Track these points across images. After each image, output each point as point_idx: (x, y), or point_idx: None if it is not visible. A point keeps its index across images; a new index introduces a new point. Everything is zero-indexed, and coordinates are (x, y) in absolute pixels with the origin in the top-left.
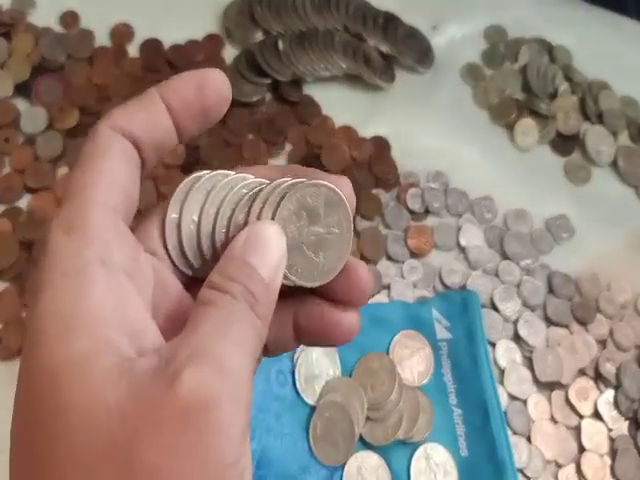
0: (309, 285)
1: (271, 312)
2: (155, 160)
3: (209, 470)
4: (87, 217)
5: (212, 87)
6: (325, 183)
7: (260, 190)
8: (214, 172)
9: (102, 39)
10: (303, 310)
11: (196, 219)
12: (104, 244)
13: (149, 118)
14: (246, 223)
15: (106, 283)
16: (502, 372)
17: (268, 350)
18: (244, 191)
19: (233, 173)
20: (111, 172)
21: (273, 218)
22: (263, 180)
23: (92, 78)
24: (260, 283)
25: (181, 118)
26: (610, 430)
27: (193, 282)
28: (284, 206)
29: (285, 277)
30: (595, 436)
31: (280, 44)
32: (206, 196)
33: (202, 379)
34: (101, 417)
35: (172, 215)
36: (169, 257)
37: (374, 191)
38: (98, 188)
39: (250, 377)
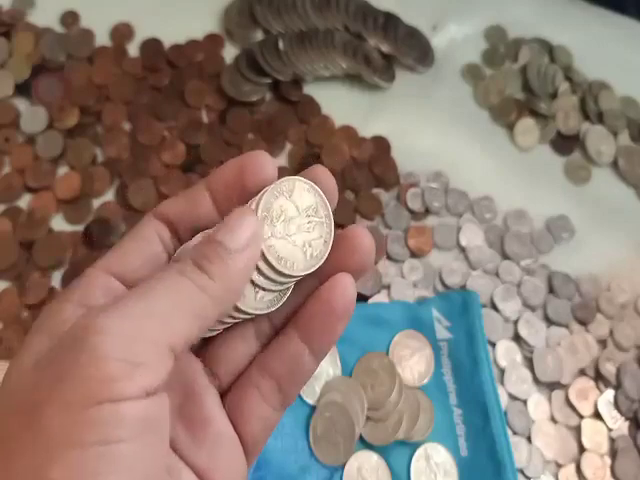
0: (304, 273)
1: (231, 294)
2: (190, 237)
3: (79, 386)
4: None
5: (251, 170)
6: (297, 177)
7: None
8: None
9: (102, 39)
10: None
11: None
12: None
13: (187, 204)
14: None
15: None
16: (502, 372)
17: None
18: None
19: None
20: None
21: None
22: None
23: (92, 78)
24: (219, 260)
25: (221, 200)
26: (610, 430)
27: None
28: (263, 208)
29: (280, 272)
30: (595, 436)
31: (280, 44)
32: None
33: (94, 316)
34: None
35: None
36: None
37: (374, 191)
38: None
39: (160, 340)
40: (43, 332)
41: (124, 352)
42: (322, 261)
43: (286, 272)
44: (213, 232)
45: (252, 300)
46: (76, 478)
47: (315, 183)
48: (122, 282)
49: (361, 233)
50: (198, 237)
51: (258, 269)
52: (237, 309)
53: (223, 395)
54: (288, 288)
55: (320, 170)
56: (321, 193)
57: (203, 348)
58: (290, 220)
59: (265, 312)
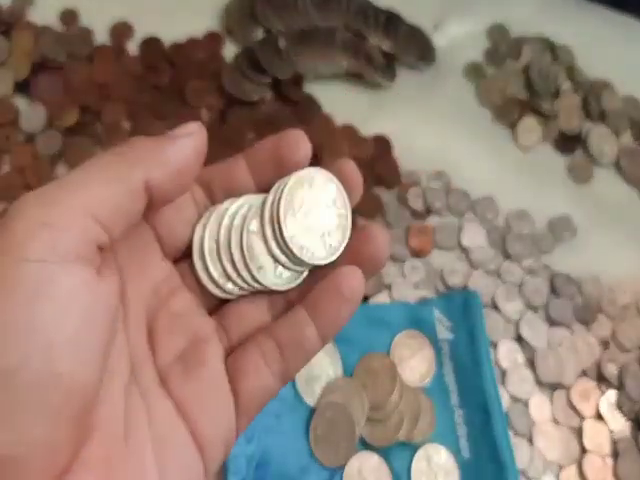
0: (322, 262)
1: (155, 156)
2: (222, 198)
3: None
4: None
5: (286, 145)
6: (317, 168)
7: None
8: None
9: (102, 37)
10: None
11: (215, 236)
12: None
13: (224, 168)
14: (260, 228)
15: None
16: (504, 373)
17: None
18: (252, 203)
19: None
20: None
21: (279, 217)
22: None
23: (92, 76)
24: (149, 140)
25: (256, 168)
26: (612, 431)
27: (218, 306)
28: (286, 200)
29: (299, 260)
30: (597, 437)
31: (281, 42)
32: (222, 214)
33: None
34: None
35: (196, 238)
36: (198, 282)
37: (375, 190)
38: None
39: (75, 204)
40: None
41: (37, 215)
42: (340, 251)
43: (306, 260)
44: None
45: (271, 275)
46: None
47: (340, 176)
48: (145, 219)
49: (378, 230)
50: (230, 200)
51: (276, 250)
52: (255, 280)
53: (228, 354)
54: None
55: (345, 164)
56: (341, 186)
57: (218, 309)
58: (310, 210)
59: (281, 288)
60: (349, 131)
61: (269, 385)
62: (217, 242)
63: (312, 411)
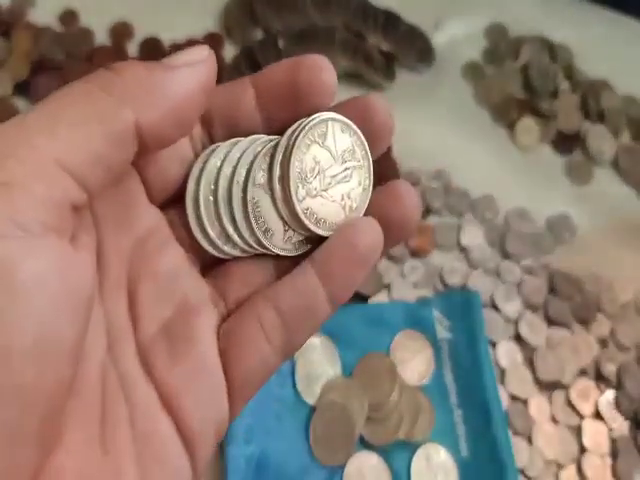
0: None
1: (151, 96)
2: (224, 137)
3: None
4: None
5: (306, 70)
6: (330, 115)
7: (274, 145)
8: (229, 141)
9: (101, 38)
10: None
11: (213, 187)
12: None
13: (227, 98)
14: (267, 183)
15: None
16: (503, 372)
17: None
18: (259, 149)
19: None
20: None
21: (287, 174)
22: (274, 137)
23: None
24: (142, 66)
25: (266, 100)
26: (611, 430)
27: (214, 265)
28: (295, 160)
29: (312, 232)
30: (596, 436)
31: (280, 42)
32: (222, 161)
33: None
34: None
35: (190, 187)
36: (191, 237)
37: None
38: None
39: (40, 151)
40: None
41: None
42: (362, 212)
43: (326, 235)
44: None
45: (280, 239)
46: None
47: (367, 114)
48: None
49: (405, 187)
50: (233, 142)
51: (287, 216)
52: (260, 244)
53: (222, 320)
54: None
55: (374, 100)
56: (357, 130)
57: (214, 268)
58: (325, 171)
59: (290, 254)
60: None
61: (269, 362)
62: (215, 195)
63: (312, 411)
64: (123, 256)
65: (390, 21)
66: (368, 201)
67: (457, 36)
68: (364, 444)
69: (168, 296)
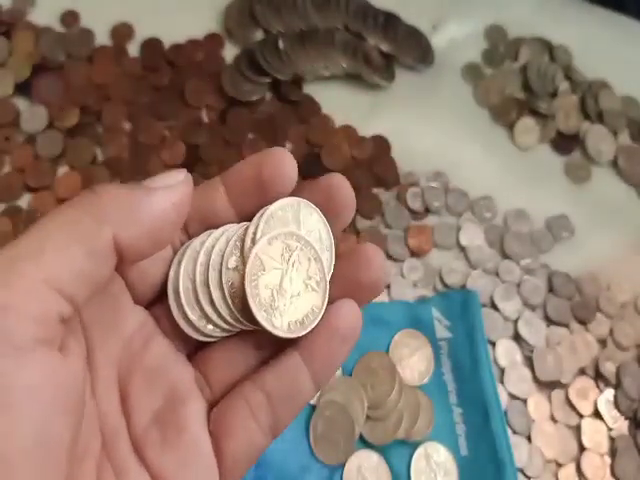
0: (300, 334)
1: (132, 215)
2: (199, 231)
3: None
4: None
5: (269, 165)
6: (295, 201)
7: (244, 230)
8: (204, 232)
9: (102, 38)
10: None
11: (192, 276)
12: None
13: (200, 197)
14: (237, 268)
15: None
16: (502, 371)
17: None
18: (231, 236)
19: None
20: None
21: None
22: (244, 224)
23: (92, 77)
24: (122, 189)
25: (236, 195)
26: (610, 429)
27: (199, 350)
28: (253, 292)
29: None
30: (595, 435)
31: (280, 43)
32: (198, 251)
33: None
34: None
35: (171, 279)
36: (175, 326)
37: (374, 190)
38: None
39: (28, 272)
40: None
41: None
42: (329, 276)
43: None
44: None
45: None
46: None
47: (330, 194)
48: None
49: (373, 251)
50: (207, 233)
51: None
52: (239, 322)
53: (212, 407)
54: None
55: (336, 180)
56: (323, 218)
57: (199, 353)
58: (282, 289)
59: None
60: (348, 131)
61: (258, 443)
62: (193, 281)
63: (312, 410)
64: (112, 357)
65: (390, 21)
66: (332, 264)
67: (456, 37)
68: (364, 443)
69: (157, 388)
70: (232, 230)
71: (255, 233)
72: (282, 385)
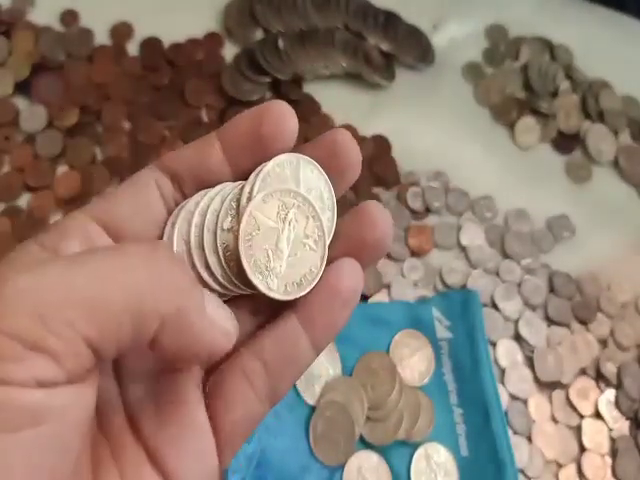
0: (299, 294)
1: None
2: (196, 192)
3: None
4: None
5: (269, 119)
6: (293, 157)
7: (240, 190)
8: (198, 193)
9: (102, 38)
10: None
11: (186, 237)
12: None
13: (195, 154)
14: (232, 229)
15: None
16: (503, 372)
17: None
18: (226, 195)
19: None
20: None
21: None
22: (240, 182)
23: (92, 77)
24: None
25: (233, 151)
26: (611, 430)
27: None
28: (247, 253)
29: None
30: (596, 436)
31: (280, 42)
32: (192, 212)
33: (14, 270)
34: None
35: (165, 238)
36: None
37: (374, 190)
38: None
39: (77, 324)
40: None
41: (26, 327)
42: (328, 239)
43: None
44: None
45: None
46: None
47: (334, 150)
48: (107, 231)
49: (376, 209)
50: (202, 193)
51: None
52: (235, 285)
53: (208, 374)
54: None
55: (339, 134)
56: (325, 176)
57: None
58: (277, 247)
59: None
60: (348, 131)
61: (255, 411)
62: (188, 244)
63: (312, 410)
64: None
65: (390, 21)
66: (334, 225)
67: (457, 36)
68: (364, 443)
69: (150, 355)
70: (227, 189)
71: (251, 192)
72: (280, 352)
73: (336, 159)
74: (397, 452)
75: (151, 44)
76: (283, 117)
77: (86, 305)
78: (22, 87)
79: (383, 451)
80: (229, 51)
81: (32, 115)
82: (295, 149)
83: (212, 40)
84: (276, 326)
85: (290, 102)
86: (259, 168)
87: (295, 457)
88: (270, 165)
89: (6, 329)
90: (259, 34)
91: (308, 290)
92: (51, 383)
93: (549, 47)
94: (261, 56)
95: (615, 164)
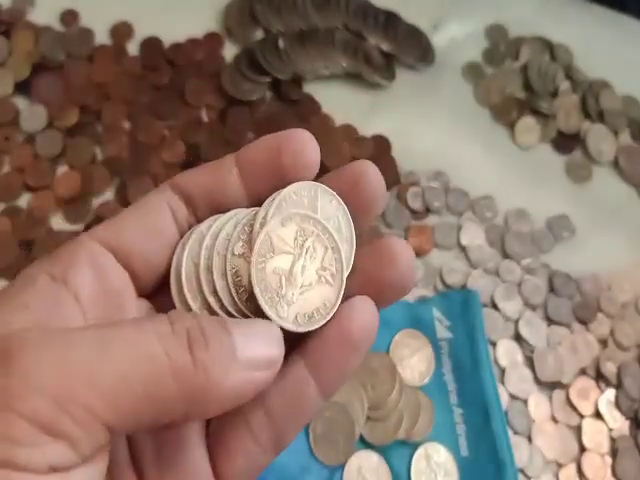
0: (319, 324)
1: (207, 399)
2: (208, 215)
3: None
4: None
5: (289, 148)
6: (312, 185)
7: (254, 216)
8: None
9: (102, 37)
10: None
11: (196, 260)
12: None
13: (211, 177)
14: (244, 254)
15: None
16: (503, 371)
17: None
18: (240, 220)
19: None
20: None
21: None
22: (254, 209)
23: (92, 77)
24: (218, 356)
25: (251, 179)
26: (611, 430)
27: None
28: (258, 276)
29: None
30: (596, 436)
31: (280, 42)
32: (204, 235)
33: (33, 345)
34: None
35: (174, 264)
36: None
37: None
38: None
39: (96, 409)
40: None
41: (45, 410)
42: (347, 271)
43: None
44: (229, 321)
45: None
46: None
47: (359, 184)
48: (116, 256)
49: (400, 246)
50: (215, 217)
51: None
52: (242, 313)
53: (209, 422)
54: None
55: (365, 167)
56: (344, 207)
57: None
58: (292, 276)
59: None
60: (348, 131)
61: (258, 462)
62: (197, 268)
63: None
64: None
65: (390, 21)
66: (352, 259)
67: (457, 36)
68: (364, 443)
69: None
70: (241, 215)
71: (265, 218)
72: (285, 401)
73: (359, 192)
74: (397, 452)
75: (151, 44)
76: (303, 148)
77: (109, 392)
78: (22, 87)
79: (383, 451)
80: (229, 51)
81: (32, 115)
82: (317, 179)
83: (212, 40)
84: (281, 372)
85: (290, 102)
86: (274, 194)
87: (295, 457)
88: (286, 191)
89: (24, 411)
90: (259, 34)
91: (319, 325)
92: (65, 468)
93: (549, 47)
94: (261, 56)
95: (615, 164)
